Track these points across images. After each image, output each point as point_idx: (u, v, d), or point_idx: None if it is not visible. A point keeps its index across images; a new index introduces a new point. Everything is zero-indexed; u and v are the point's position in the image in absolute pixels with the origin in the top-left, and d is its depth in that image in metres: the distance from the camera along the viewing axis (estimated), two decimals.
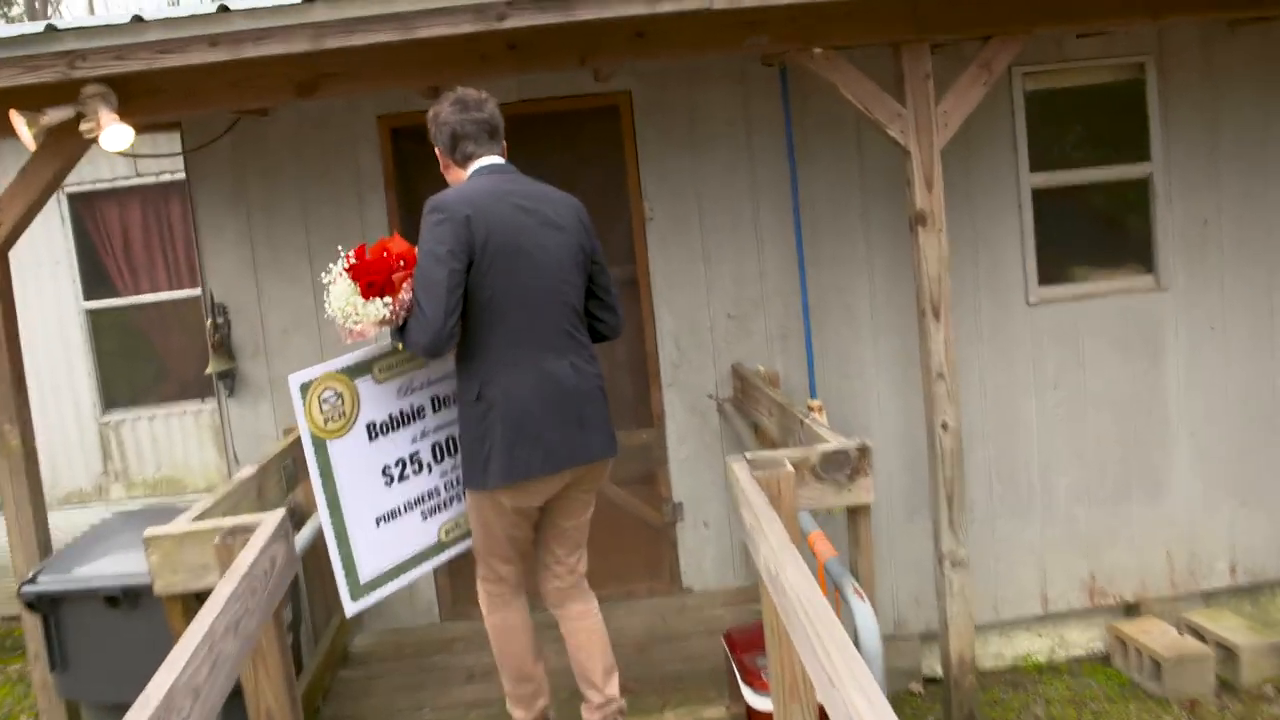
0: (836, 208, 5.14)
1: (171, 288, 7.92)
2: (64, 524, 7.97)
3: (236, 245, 4.98)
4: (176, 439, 8.18)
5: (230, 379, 4.98)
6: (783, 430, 3.98)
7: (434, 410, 3.37)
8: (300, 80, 3.90)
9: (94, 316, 8.02)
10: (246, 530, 2.94)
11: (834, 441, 3.24)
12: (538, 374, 2.94)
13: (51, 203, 7.75)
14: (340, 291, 2.92)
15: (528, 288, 2.93)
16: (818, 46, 4.08)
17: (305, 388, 3.07)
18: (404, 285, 2.91)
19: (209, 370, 4.91)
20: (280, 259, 5.00)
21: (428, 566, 3.40)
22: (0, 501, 4.13)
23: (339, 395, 3.11)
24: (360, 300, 2.89)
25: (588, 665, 3.30)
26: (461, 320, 2.88)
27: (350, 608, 3.21)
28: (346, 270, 2.94)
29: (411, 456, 3.29)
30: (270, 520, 2.96)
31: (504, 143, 3.13)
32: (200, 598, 2.66)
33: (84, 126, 3.63)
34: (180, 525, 3.10)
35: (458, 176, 3.11)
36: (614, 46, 3.96)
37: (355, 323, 2.91)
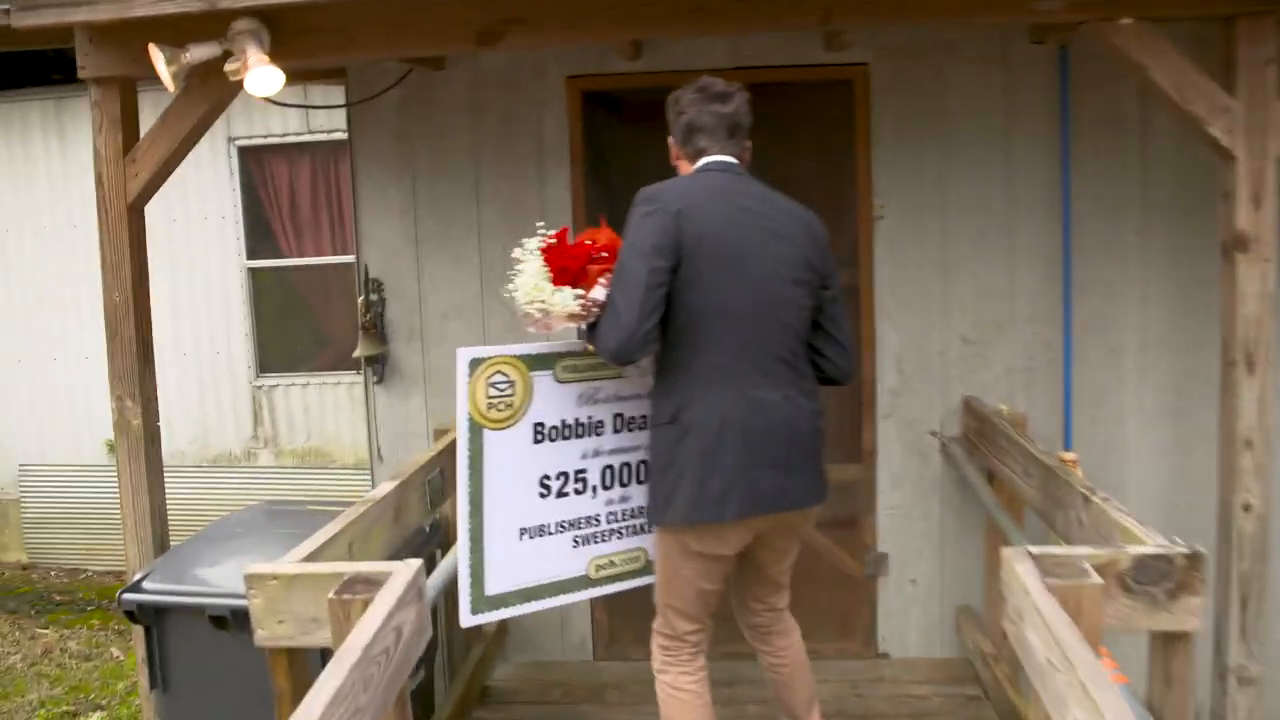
0: (1109, 222, 4.20)
1: (336, 252, 7.62)
2: (209, 486, 7.84)
3: (398, 215, 4.40)
4: (329, 409, 7.90)
5: (380, 364, 4.41)
6: (1046, 498, 3.12)
7: (614, 429, 3.06)
8: (481, 27, 3.25)
9: (256, 276, 7.85)
10: (370, 583, 2.30)
11: (1151, 543, 2.38)
12: (746, 402, 2.63)
13: (221, 154, 7.55)
14: (530, 272, 2.69)
15: (742, 301, 2.62)
16: (1128, 15, 3.19)
17: (475, 364, 2.82)
18: (601, 279, 2.66)
19: (357, 353, 4.36)
20: (446, 234, 4.40)
21: (566, 600, 3.11)
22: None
23: (510, 383, 2.86)
24: (550, 286, 2.65)
25: (789, 698, 3.06)
26: (663, 332, 2.62)
27: (466, 619, 2.95)
28: (540, 250, 2.71)
29: (577, 473, 3.00)
30: (400, 577, 2.30)
31: (747, 144, 2.79)
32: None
33: (229, 67, 3.09)
34: (290, 564, 2.49)
35: (684, 169, 2.80)
36: (868, 3, 3.16)
37: (540, 310, 2.67)
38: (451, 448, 3.58)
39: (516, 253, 2.75)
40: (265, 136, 7.64)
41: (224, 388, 7.95)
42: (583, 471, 3.01)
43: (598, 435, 3.01)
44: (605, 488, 3.06)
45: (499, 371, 2.86)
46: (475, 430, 2.85)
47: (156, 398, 3.62)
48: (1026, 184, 4.21)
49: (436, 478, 3.58)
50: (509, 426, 2.89)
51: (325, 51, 3.37)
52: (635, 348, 2.56)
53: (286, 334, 7.90)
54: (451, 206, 4.37)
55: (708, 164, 2.73)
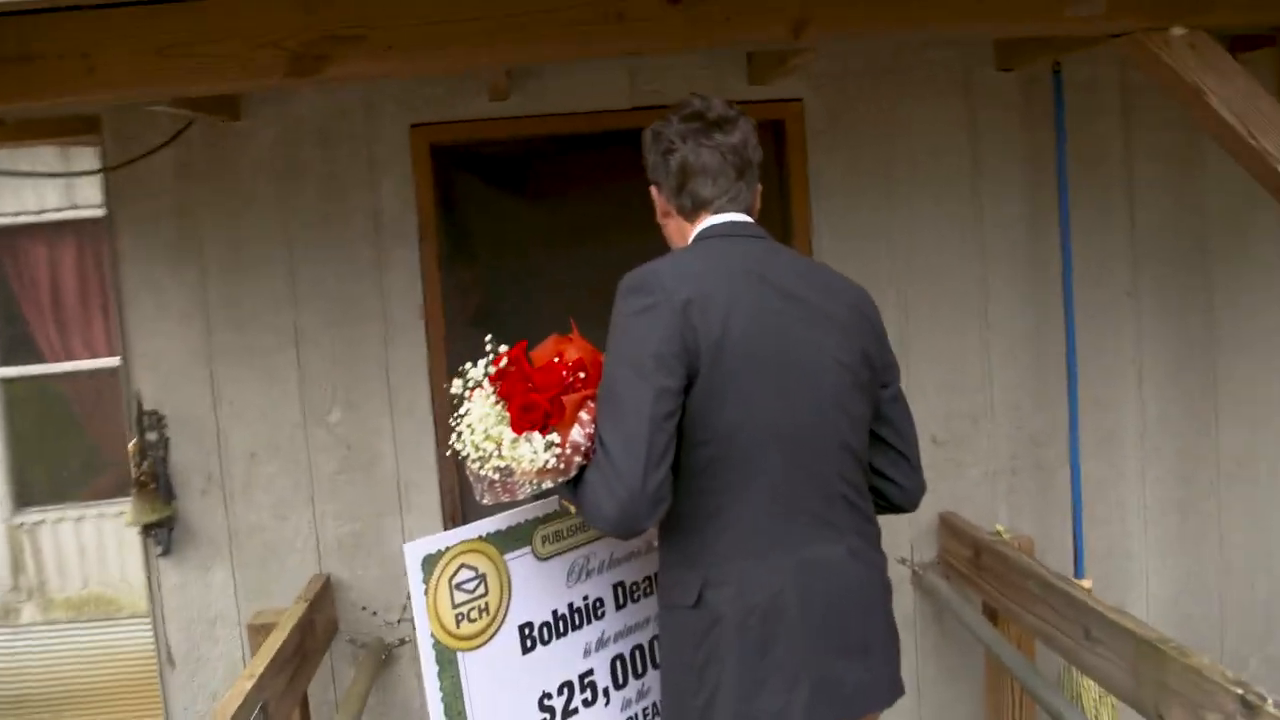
0: (1096, 285, 3.46)
1: (113, 354, 6.19)
2: None
3: (181, 322, 3.20)
4: (110, 546, 6.58)
5: (165, 530, 3.17)
6: (1148, 686, 2.24)
7: (617, 605, 2.40)
8: (296, 48, 2.16)
9: (9, 387, 6.58)
10: None
11: None
12: (798, 566, 1.96)
13: None
14: (478, 414, 1.98)
15: (786, 422, 1.95)
16: (1183, 25, 2.43)
17: (430, 562, 2.12)
18: (581, 413, 1.94)
19: (128, 521, 3.11)
20: (252, 346, 3.22)
21: None
22: None
23: (481, 577, 2.19)
24: (509, 433, 1.94)
25: None
26: (674, 472, 1.90)
27: None
28: (490, 379, 1.99)
29: (583, 679, 2.33)
30: None
31: (758, 188, 2.10)
32: None
33: None
34: None
35: (680, 233, 2.10)
36: (857, 10, 2.27)
37: (498, 469, 1.96)
38: (283, 661, 2.54)
39: (455, 385, 2.03)
40: (16, 214, 6.29)
41: None
42: (589, 674, 2.34)
43: (599, 619, 2.35)
44: (619, 686, 2.40)
45: (463, 565, 2.18)
46: (445, 656, 2.14)
47: None
48: (999, 243, 3.42)
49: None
50: (489, 640, 2.20)
51: (55, 88, 2.21)
52: (645, 513, 1.85)
53: (51, 457, 6.56)
54: (257, 308, 3.21)
55: (715, 226, 2.03)
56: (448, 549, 2.16)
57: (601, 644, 2.38)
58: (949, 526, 3.38)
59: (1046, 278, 3.41)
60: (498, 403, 1.97)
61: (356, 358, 3.26)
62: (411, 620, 3.27)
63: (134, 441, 3.12)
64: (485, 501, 2.06)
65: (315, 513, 3.28)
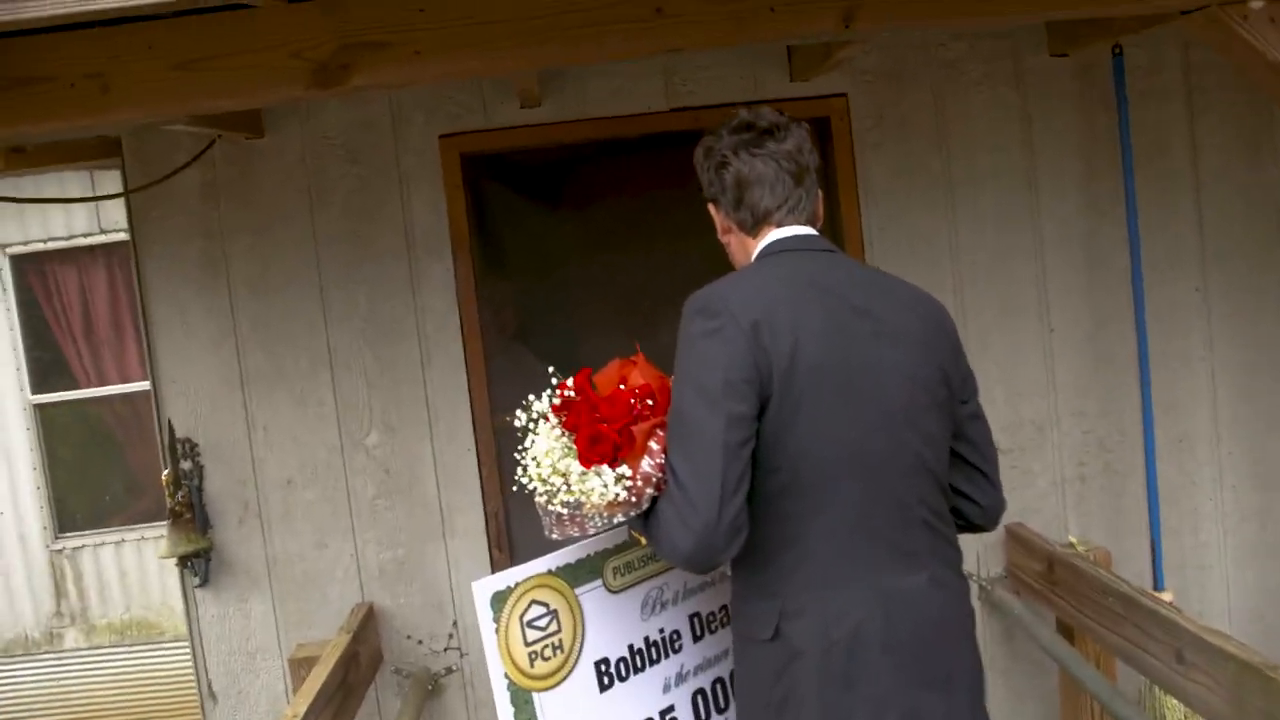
0: (1164, 280, 3.28)
1: (147, 377, 6.13)
2: (7, 680, 6.25)
3: (212, 347, 3.11)
4: (152, 571, 6.48)
5: (202, 561, 3.08)
6: (1238, 703, 2.08)
7: (694, 637, 2.30)
8: (320, 58, 2.05)
9: (45, 413, 6.41)
10: None
11: None
12: (879, 596, 1.86)
13: None
14: (545, 447, 1.89)
15: (863, 446, 1.86)
16: None
17: (499, 600, 2.06)
18: (651, 442, 1.85)
19: (162, 554, 3.01)
20: (284, 369, 3.12)
21: None
22: None
23: (552, 613, 2.13)
24: (577, 466, 1.85)
25: None
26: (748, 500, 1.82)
27: None
28: (554, 409, 1.91)
29: (664, 716, 2.24)
30: None
31: (819, 194, 2.02)
32: None
33: None
34: None
35: (743, 250, 2.01)
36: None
37: (567, 504, 1.88)
38: (326, 698, 2.44)
39: (517, 417, 1.95)
40: (45, 240, 6.23)
41: (13, 556, 6.41)
42: (670, 711, 2.25)
43: (676, 652, 2.26)
44: None
45: (534, 601, 2.11)
46: (520, 698, 2.07)
47: None
48: (1059, 239, 3.25)
49: None
50: (564, 680, 2.12)
51: (66, 111, 2.11)
52: (722, 545, 1.77)
53: (90, 482, 6.47)
54: (289, 330, 3.11)
55: (778, 242, 1.95)
56: (517, 585, 2.09)
57: (681, 679, 2.29)
58: (1017, 539, 3.22)
59: (1109, 275, 3.25)
60: (563, 435, 1.89)
61: (393, 378, 3.15)
62: (458, 649, 3.19)
63: (167, 471, 3.02)
64: (554, 537, 1.98)
65: (356, 540, 3.18)
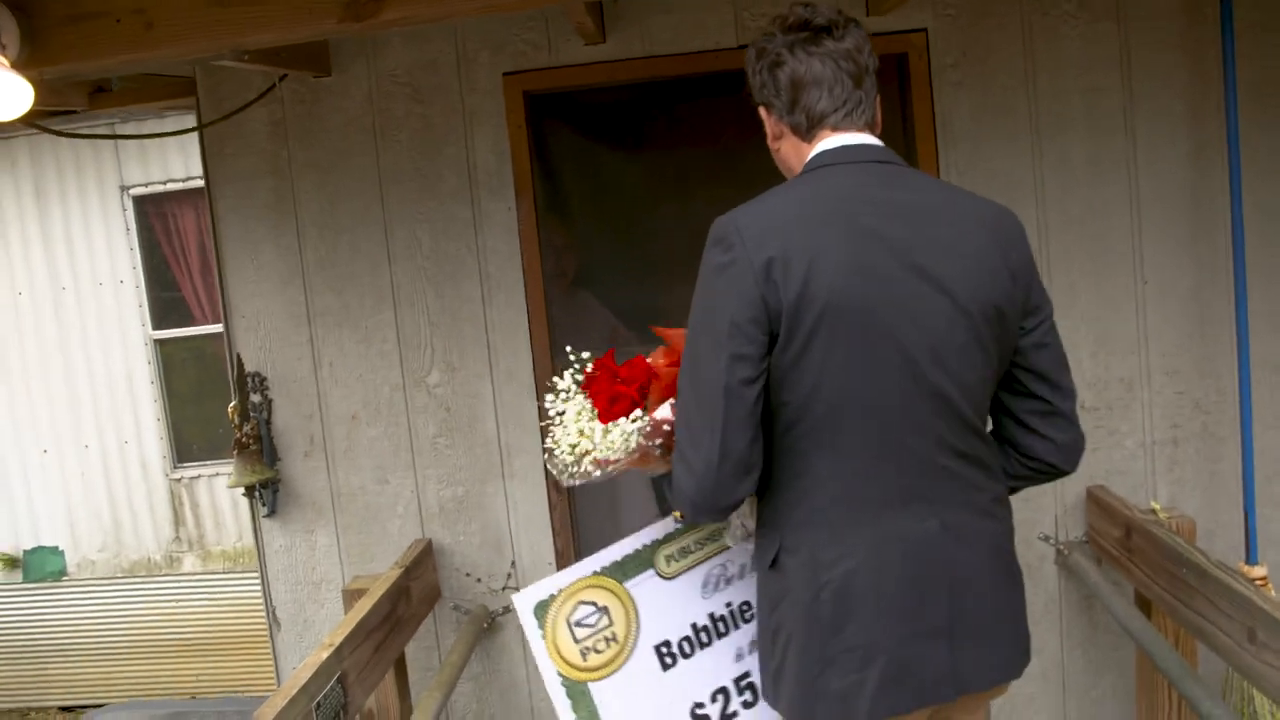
0: (1266, 238, 3.01)
1: None
2: (125, 601, 6.61)
3: (280, 284, 3.16)
4: None
5: (270, 492, 3.16)
6: None
7: None
8: None
9: (164, 348, 6.67)
10: None
11: None
12: (874, 542, 1.78)
13: (114, 205, 6.45)
14: (570, 417, 1.98)
15: (876, 385, 1.75)
16: None
17: (542, 609, 2.13)
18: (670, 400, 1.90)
19: (230, 483, 3.10)
20: (349, 307, 3.16)
21: None
22: None
23: (602, 610, 2.17)
24: (599, 426, 1.92)
25: None
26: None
27: None
28: (582, 387, 2.01)
29: (738, 682, 2.20)
30: None
31: (877, 99, 1.86)
32: None
33: None
34: None
35: (796, 155, 1.86)
36: None
37: (595, 464, 1.92)
38: (368, 630, 2.49)
39: (547, 400, 2.02)
40: (165, 182, 6.42)
41: (136, 484, 6.69)
42: (745, 677, 2.21)
43: (748, 622, 2.21)
44: None
45: (580, 602, 2.17)
46: (576, 689, 2.13)
47: None
48: (1156, 190, 3.01)
49: (334, 692, 2.34)
50: (620, 667, 2.16)
51: (112, 47, 2.15)
52: (725, 489, 1.75)
53: (206, 415, 6.66)
54: (354, 269, 3.14)
55: (830, 152, 1.80)
56: (560, 592, 2.14)
57: (754, 646, 2.24)
58: (1098, 503, 3.04)
59: (1210, 228, 3.00)
60: (588, 403, 1.95)
61: (455, 318, 3.15)
62: (515, 588, 3.21)
63: (234, 403, 3.11)
64: (574, 484, 2.00)
65: (417, 477, 3.21)
